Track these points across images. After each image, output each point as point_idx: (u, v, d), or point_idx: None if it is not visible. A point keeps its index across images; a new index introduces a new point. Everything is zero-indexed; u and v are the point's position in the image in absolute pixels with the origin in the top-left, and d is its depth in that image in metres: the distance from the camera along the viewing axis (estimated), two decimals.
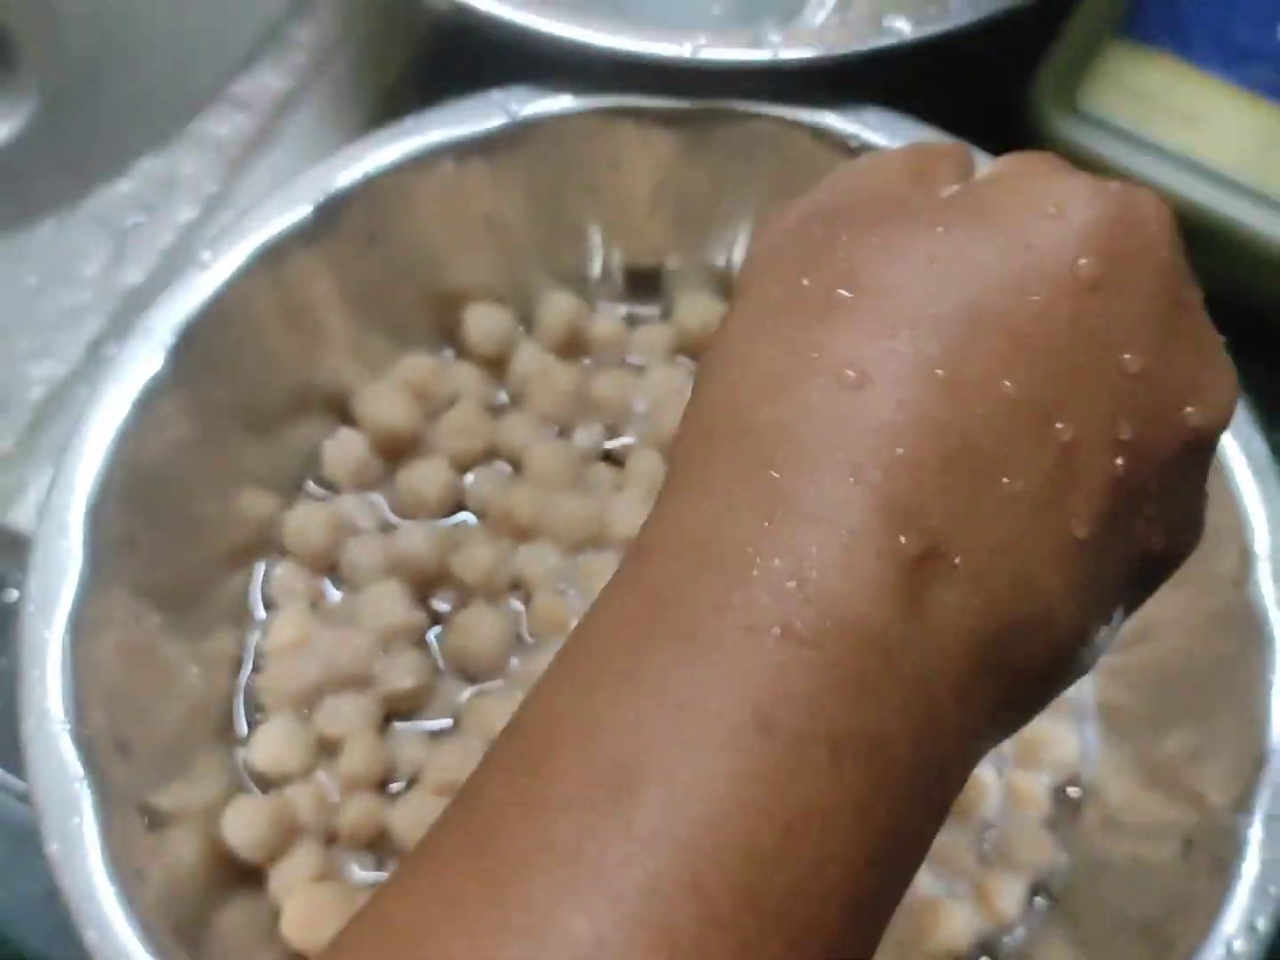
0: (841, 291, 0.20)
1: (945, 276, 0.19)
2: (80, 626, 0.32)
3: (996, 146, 0.41)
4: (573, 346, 0.42)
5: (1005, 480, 0.19)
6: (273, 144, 0.49)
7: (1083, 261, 0.19)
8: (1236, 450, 0.35)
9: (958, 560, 0.18)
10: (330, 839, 0.36)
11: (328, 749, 0.37)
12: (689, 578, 0.18)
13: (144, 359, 0.35)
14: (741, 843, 0.16)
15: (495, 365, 0.42)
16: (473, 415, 0.40)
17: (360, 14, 0.51)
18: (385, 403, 0.40)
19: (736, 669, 0.17)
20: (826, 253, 0.20)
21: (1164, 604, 0.35)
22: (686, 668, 0.17)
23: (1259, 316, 0.45)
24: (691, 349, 0.42)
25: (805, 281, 0.20)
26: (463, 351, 0.42)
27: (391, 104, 0.50)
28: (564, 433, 0.41)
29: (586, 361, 0.42)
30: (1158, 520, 0.21)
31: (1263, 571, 0.33)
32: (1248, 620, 0.33)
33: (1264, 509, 0.34)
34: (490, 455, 0.41)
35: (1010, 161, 0.22)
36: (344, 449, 0.40)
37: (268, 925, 0.34)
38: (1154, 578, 0.22)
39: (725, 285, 0.42)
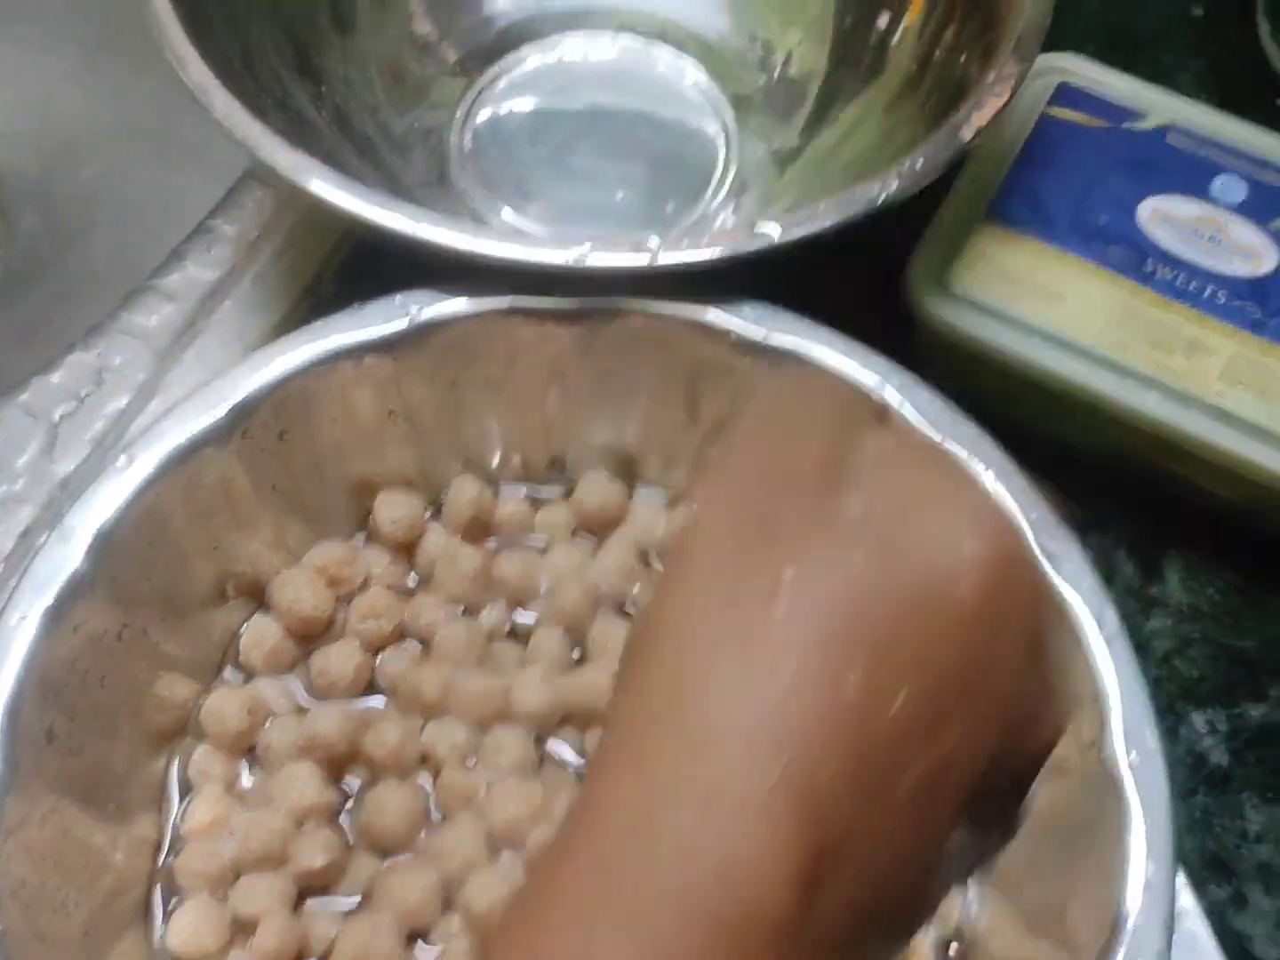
0: (765, 606, 0.22)
1: (860, 604, 0.22)
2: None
3: (875, 326, 0.44)
4: (478, 529, 0.44)
5: (893, 784, 0.22)
6: (198, 333, 0.52)
7: (979, 595, 0.23)
8: (1090, 619, 0.37)
9: (851, 850, 0.21)
10: None
11: (243, 929, 0.38)
12: (633, 863, 0.21)
13: (62, 560, 0.37)
14: None
15: (405, 549, 0.44)
16: (382, 598, 0.42)
17: (283, 209, 0.54)
18: (298, 589, 0.42)
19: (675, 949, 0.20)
20: (757, 557, 0.23)
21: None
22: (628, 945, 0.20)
23: (1124, 472, 0.48)
24: (590, 527, 0.44)
25: (737, 578, 0.23)
26: (374, 536, 0.44)
27: (313, 294, 0.53)
28: (471, 611, 0.43)
29: (491, 543, 0.44)
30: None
31: (1115, 736, 0.35)
32: (1104, 783, 0.35)
33: (1115, 676, 0.36)
34: (400, 635, 0.43)
35: (911, 467, 0.25)
36: (259, 635, 0.42)
37: None
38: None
39: (620, 465, 0.45)
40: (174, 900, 0.39)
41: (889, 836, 0.22)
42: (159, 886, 0.39)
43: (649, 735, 0.22)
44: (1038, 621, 0.24)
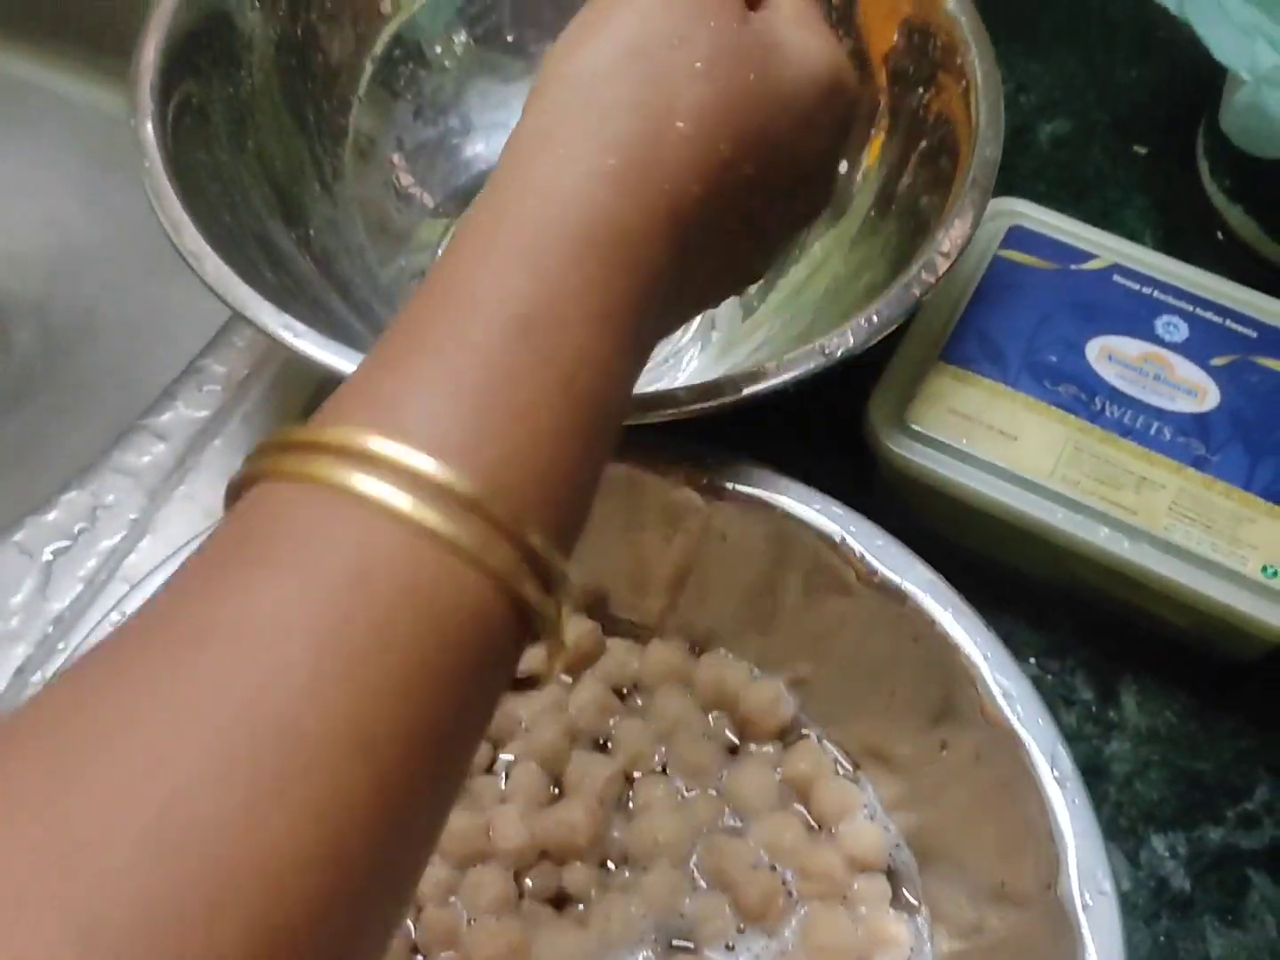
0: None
1: (739, 109, 0.32)
2: None
3: (838, 460, 0.47)
4: None
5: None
6: (188, 471, 0.54)
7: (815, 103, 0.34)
8: (1043, 761, 0.39)
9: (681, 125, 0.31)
10: None
11: None
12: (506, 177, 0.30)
13: None
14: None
15: None
16: None
17: (273, 348, 0.56)
18: None
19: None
20: (654, 23, 0.32)
21: (990, 898, 0.39)
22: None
23: (1079, 599, 0.50)
24: (571, 668, 0.46)
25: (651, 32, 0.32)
26: None
27: None
28: None
29: None
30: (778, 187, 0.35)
31: (1069, 877, 0.37)
32: (1059, 921, 0.37)
33: (1069, 817, 0.38)
34: None
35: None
36: None
37: None
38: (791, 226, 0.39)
39: (592, 602, 0.47)
40: None
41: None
42: None
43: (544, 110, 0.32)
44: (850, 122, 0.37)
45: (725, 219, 0.32)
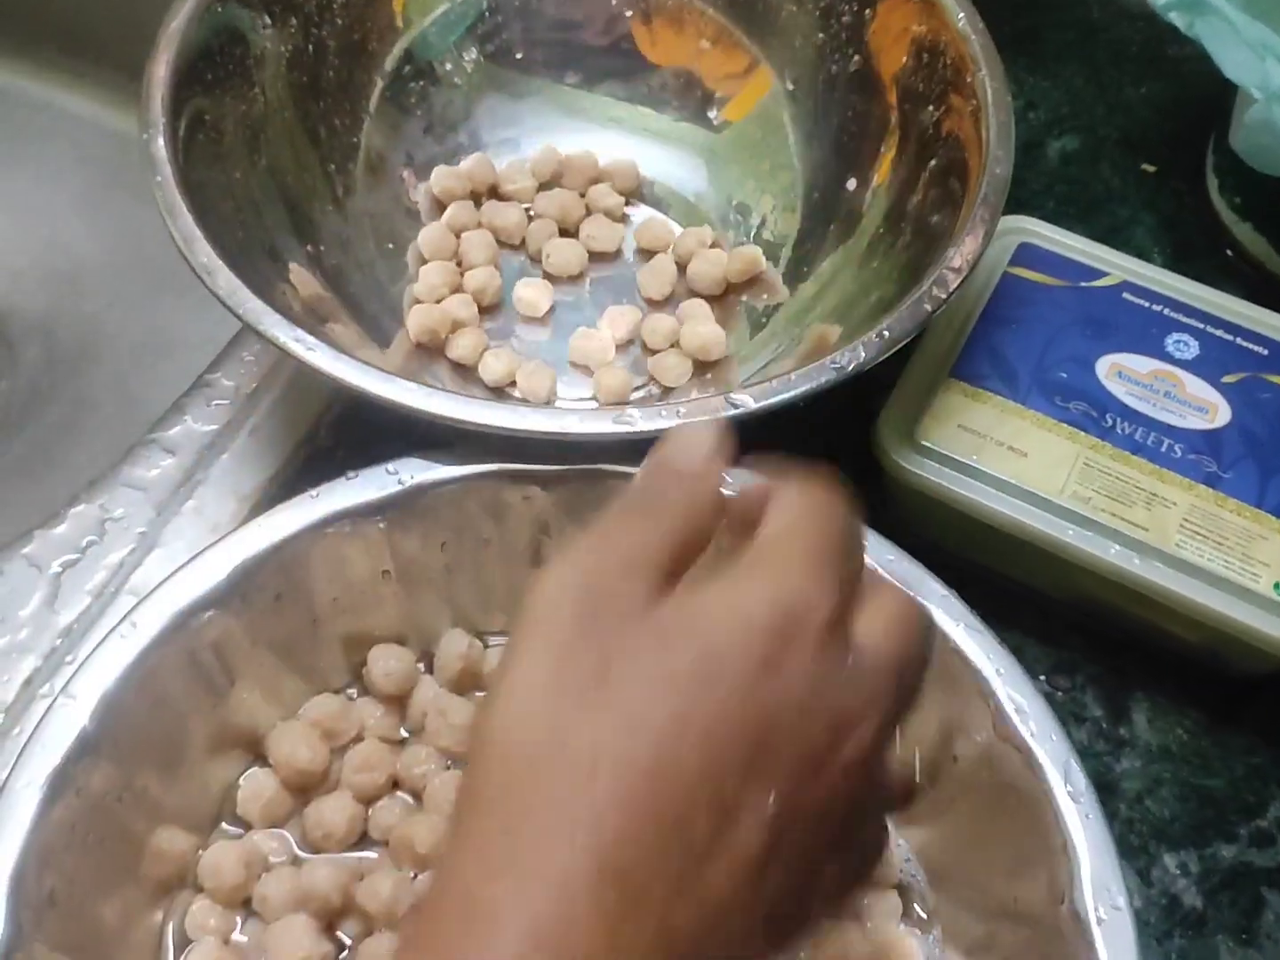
0: (589, 692, 0.26)
1: (658, 688, 0.26)
2: None
3: (848, 475, 0.46)
4: (467, 681, 0.46)
5: (687, 839, 0.26)
6: (197, 485, 0.54)
7: (757, 663, 0.27)
8: (1057, 776, 0.38)
9: (650, 905, 0.25)
10: None
11: None
12: (456, 933, 0.25)
13: (68, 726, 0.38)
14: None
15: (397, 701, 0.45)
16: (375, 751, 0.44)
17: (281, 362, 0.56)
18: (294, 743, 0.43)
19: None
20: (581, 649, 0.27)
21: (1004, 911, 0.39)
22: None
23: (1089, 616, 0.50)
24: None
25: (568, 669, 0.27)
26: (367, 689, 0.46)
27: (309, 445, 0.55)
28: (461, 762, 0.44)
29: (479, 695, 0.46)
30: (815, 855, 0.28)
31: (1084, 891, 0.37)
32: (1074, 934, 0.36)
33: (1083, 832, 0.38)
34: (394, 786, 0.44)
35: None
36: (256, 788, 0.43)
37: None
38: (832, 896, 0.30)
39: None
40: None
41: (685, 890, 0.26)
42: None
43: (481, 824, 0.26)
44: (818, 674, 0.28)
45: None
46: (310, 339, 0.43)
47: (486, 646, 0.47)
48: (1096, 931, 0.36)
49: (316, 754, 0.44)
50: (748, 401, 0.43)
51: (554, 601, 0.28)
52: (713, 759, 0.26)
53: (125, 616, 0.40)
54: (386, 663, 0.45)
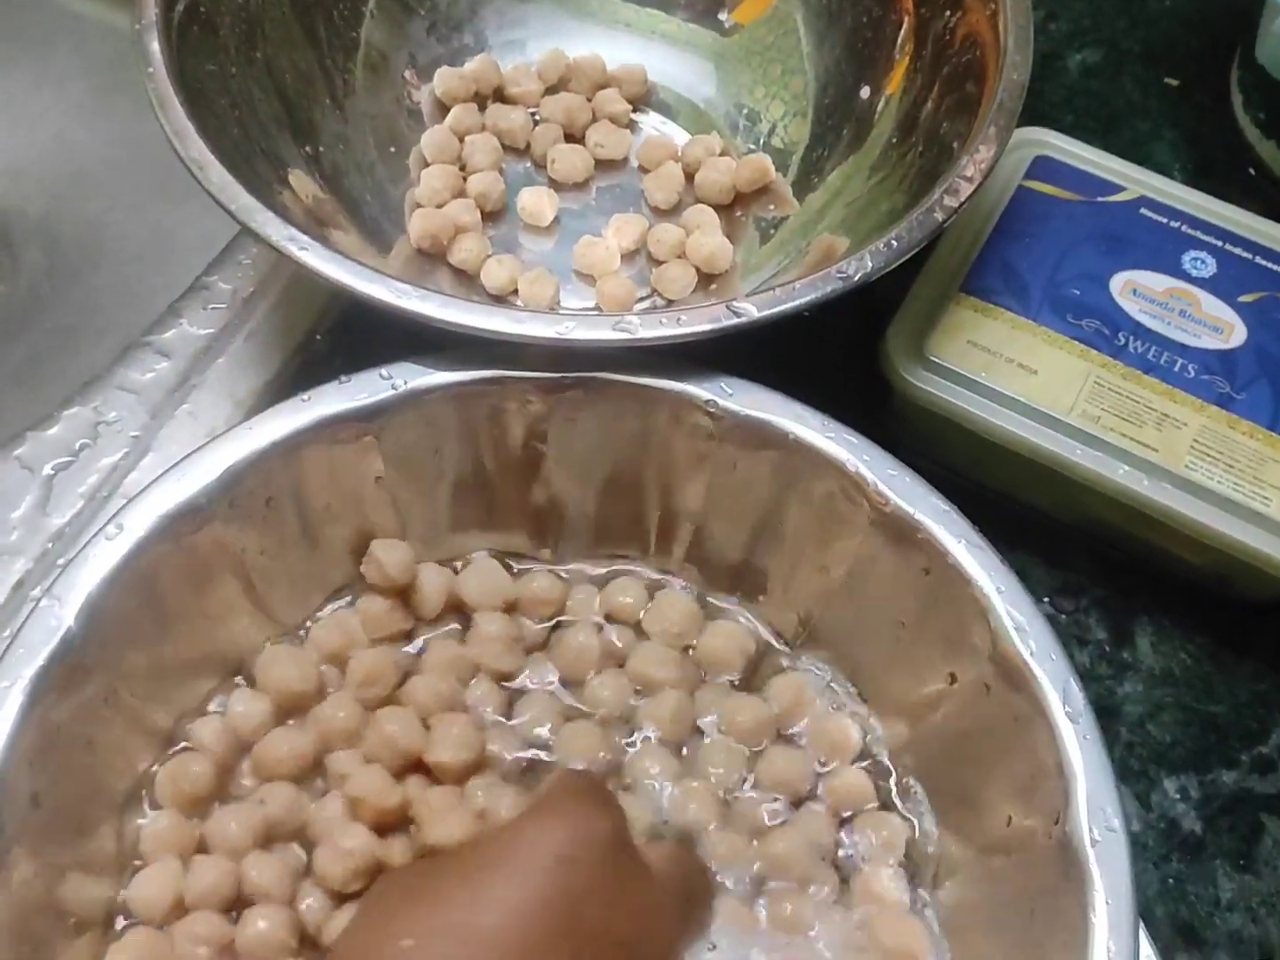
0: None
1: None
2: None
3: (852, 392, 0.45)
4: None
5: None
6: (192, 389, 0.53)
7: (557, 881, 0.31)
8: (1055, 695, 0.38)
9: None
10: None
11: None
12: None
13: (53, 626, 0.38)
14: None
15: (397, 595, 0.45)
16: (380, 658, 0.43)
17: (279, 266, 0.55)
18: (284, 665, 0.43)
19: None
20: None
21: (999, 835, 0.38)
22: None
23: (1095, 538, 0.49)
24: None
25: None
26: (368, 587, 0.45)
27: (305, 351, 0.54)
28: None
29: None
30: None
31: (1079, 813, 0.36)
32: (1068, 856, 0.36)
33: (1080, 753, 0.37)
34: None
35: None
36: (245, 708, 0.43)
37: None
38: None
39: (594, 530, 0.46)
40: None
41: None
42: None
43: None
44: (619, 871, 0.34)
45: None
46: (304, 238, 0.42)
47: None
48: (1090, 853, 0.36)
49: (308, 676, 0.43)
50: (750, 310, 0.41)
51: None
52: None
53: (112, 518, 0.40)
54: (389, 553, 0.44)
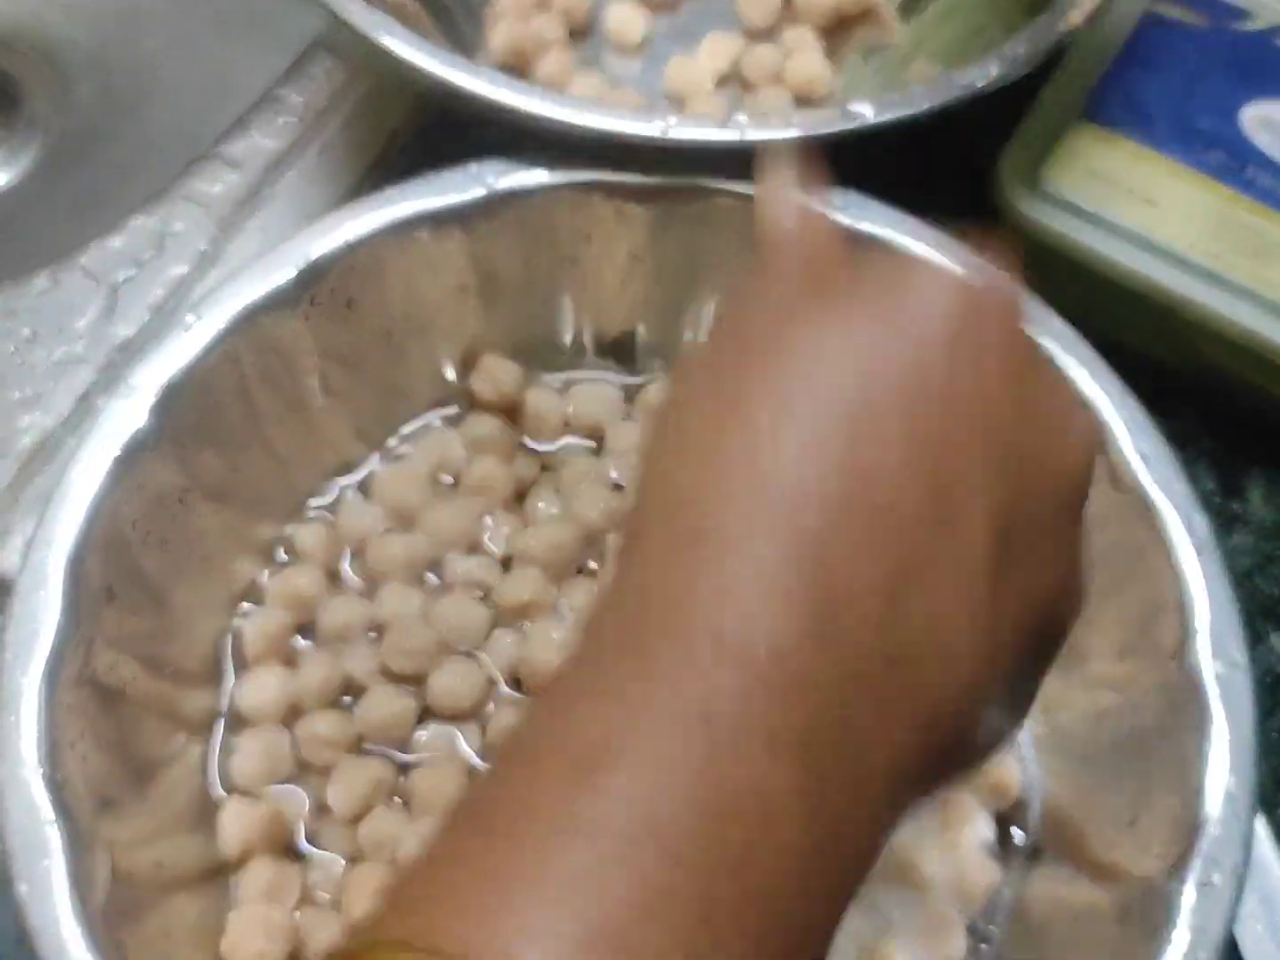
0: (770, 386, 0.23)
1: (850, 376, 0.23)
2: (56, 675, 0.33)
3: (961, 219, 0.43)
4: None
5: (899, 532, 0.22)
6: (262, 204, 0.51)
7: (953, 349, 0.23)
8: (1179, 525, 0.36)
9: (857, 601, 0.21)
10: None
11: (304, 768, 0.38)
12: (645, 623, 0.22)
13: (127, 416, 0.36)
14: (694, 801, 0.19)
15: (506, 414, 0.43)
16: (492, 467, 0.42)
17: (351, 81, 0.53)
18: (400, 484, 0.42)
19: (681, 679, 0.20)
20: (755, 353, 0.23)
21: (1107, 672, 0.36)
22: (641, 681, 0.21)
23: (1215, 389, 0.47)
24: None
25: (738, 377, 0.23)
26: (473, 403, 0.44)
27: (381, 168, 0.52)
28: None
29: None
30: (1037, 574, 0.24)
31: (1201, 645, 0.34)
32: (1185, 693, 0.34)
33: (1204, 584, 0.35)
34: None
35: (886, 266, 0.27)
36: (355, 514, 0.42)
37: None
38: (1043, 647, 0.25)
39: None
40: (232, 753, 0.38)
41: (901, 590, 0.22)
42: (214, 759, 0.39)
43: (661, 522, 0.23)
44: (1019, 359, 0.24)
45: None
46: (394, 24, 0.40)
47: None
48: (1213, 687, 0.34)
49: (422, 487, 0.42)
50: (866, 113, 0.39)
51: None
52: (920, 435, 0.22)
53: (190, 309, 0.38)
54: (504, 369, 0.42)
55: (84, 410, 0.47)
